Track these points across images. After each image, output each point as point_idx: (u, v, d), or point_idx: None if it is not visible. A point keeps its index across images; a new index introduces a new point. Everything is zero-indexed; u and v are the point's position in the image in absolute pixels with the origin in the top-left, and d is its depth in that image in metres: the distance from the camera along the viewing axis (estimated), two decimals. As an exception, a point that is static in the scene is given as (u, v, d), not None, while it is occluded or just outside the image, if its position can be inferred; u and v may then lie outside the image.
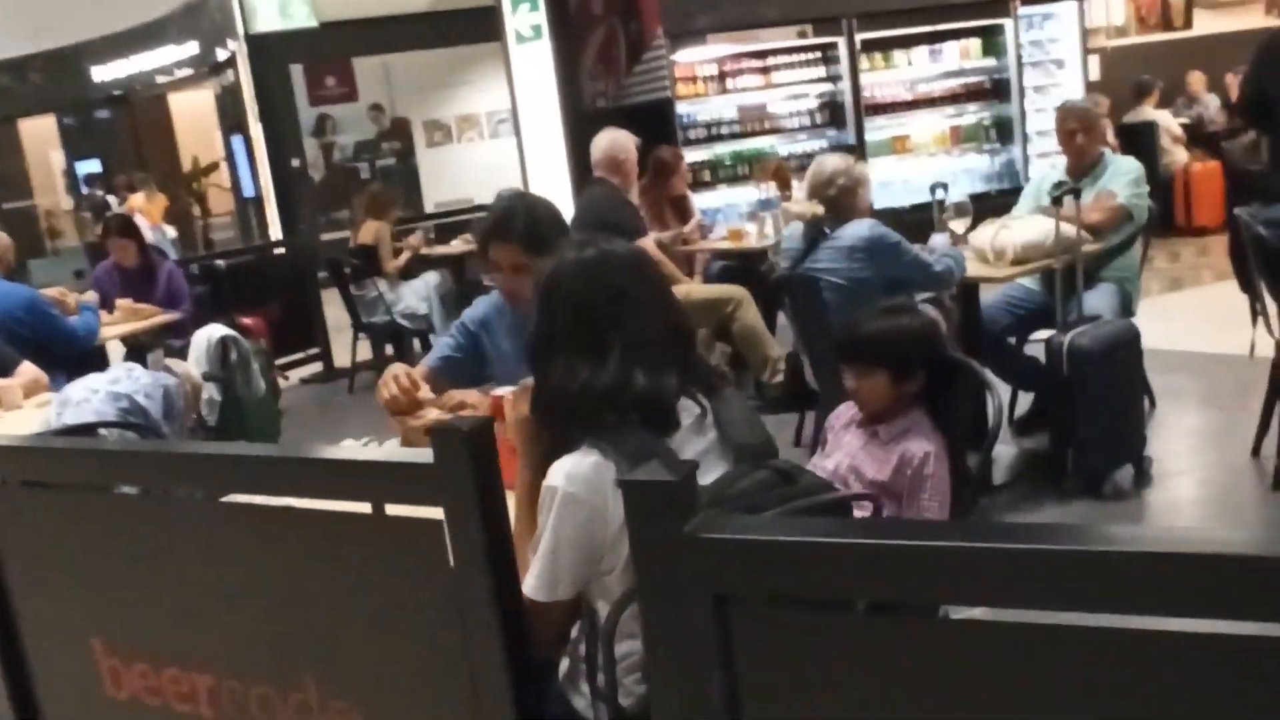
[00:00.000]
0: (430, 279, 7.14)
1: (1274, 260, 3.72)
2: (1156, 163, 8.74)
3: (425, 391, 2.46)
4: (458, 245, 7.59)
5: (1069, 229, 4.01)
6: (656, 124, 7.86)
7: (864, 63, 8.28)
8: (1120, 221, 4.43)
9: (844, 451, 2.33)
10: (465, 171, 12.64)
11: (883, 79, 8.47)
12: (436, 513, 1.46)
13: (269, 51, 11.85)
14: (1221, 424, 4.45)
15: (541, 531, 1.63)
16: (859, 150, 8.26)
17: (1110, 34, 10.02)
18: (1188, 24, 10.43)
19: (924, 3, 8.24)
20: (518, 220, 2.59)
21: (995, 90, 8.82)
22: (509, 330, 2.77)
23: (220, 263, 6.99)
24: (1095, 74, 9.49)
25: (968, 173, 8.83)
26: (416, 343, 7.56)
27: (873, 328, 2.27)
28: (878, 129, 8.42)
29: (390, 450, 2.30)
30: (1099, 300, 4.23)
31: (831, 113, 8.40)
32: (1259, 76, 5.44)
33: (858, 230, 3.66)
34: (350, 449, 2.15)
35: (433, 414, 2.37)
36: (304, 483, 1.61)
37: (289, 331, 7.26)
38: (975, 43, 8.68)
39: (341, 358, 7.43)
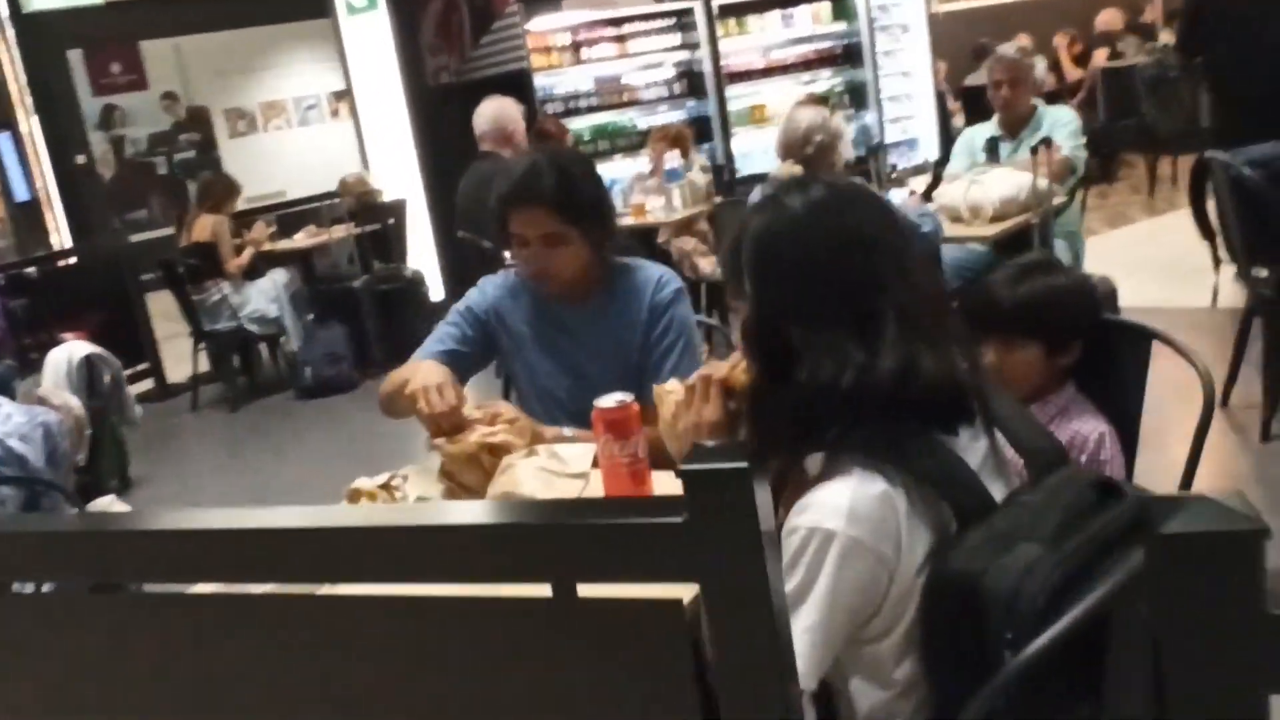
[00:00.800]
0: (278, 277, 6.37)
1: (1256, 202, 3.57)
2: (1000, 124, 8.85)
3: (470, 407, 1.92)
4: (304, 238, 6.83)
5: (1043, 181, 3.77)
6: (513, 98, 7.30)
7: (718, 29, 7.95)
8: (1066, 175, 4.25)
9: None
10: (275, 163, 11.65)
11: (737, 46, 8.18)
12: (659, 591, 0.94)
13: (43, 34, 10.50)
14: (1188, 377, 4.32)
15: (801, 594, 1.14)
16: (722, 121, 7.96)
17: (929, 1, 10.09)
18: (1010, -11, 10.64)
19: (777, -35, 7.98)
20: (545, 178, 2.07)
21: (848, 56, 8.68)
22: (530, 317, 2.24)
23: (30, 270, 6.00)
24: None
25: (825, 141, 8.66)
26: (265, 350, 6.78)
27: (1020, 291, 1.87)
28: (735, 98, 8.12)
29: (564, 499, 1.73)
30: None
31: (690, 82, 8.05)
32: (1195, 9, 5.28)
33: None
34: (466, 507, 1.58)
35: (474, 435, 1.83)
36: (449, 559, 1.05)
37: (109, 346, 6.32)
38: (826, 7, 8.51)
39: (176, 372, 6.56)
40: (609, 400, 1.64)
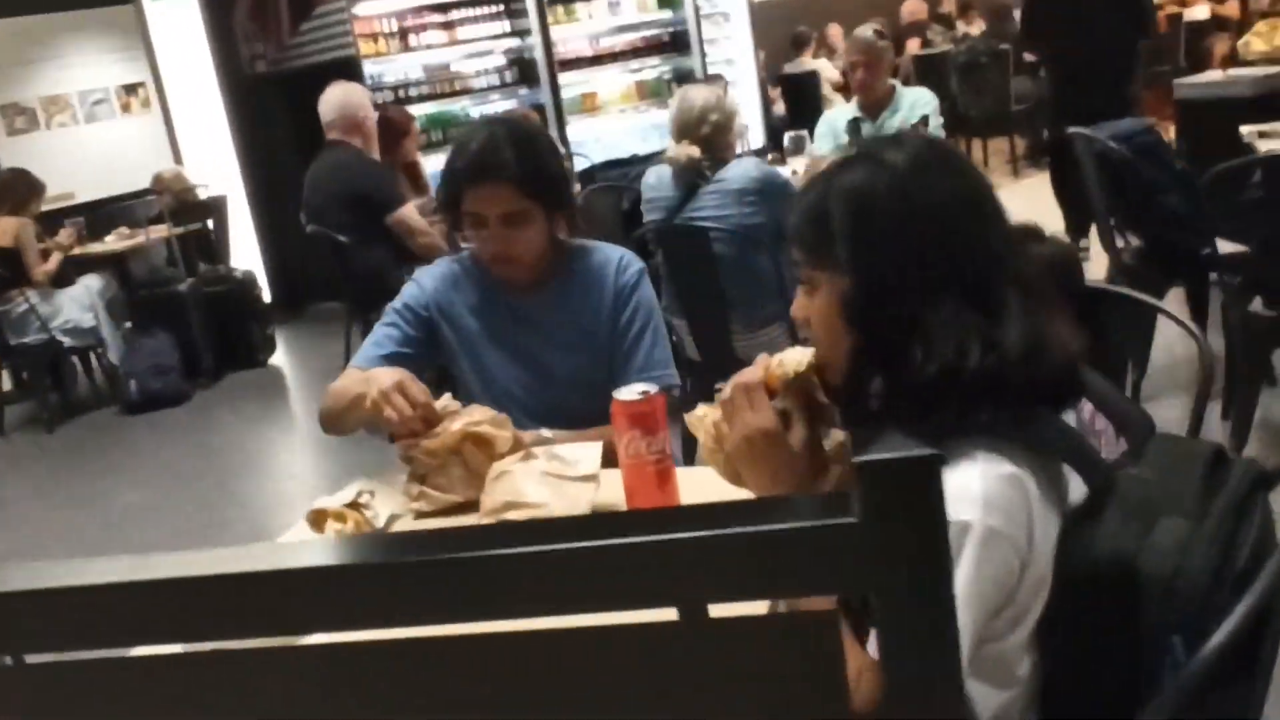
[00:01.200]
0: (91, 283, 5.85)
1: (1120, 175, 3.72)
2: (820, 109, 9.04)
3: (445, 402, 1.74)
4: (116, 240, 6.29)
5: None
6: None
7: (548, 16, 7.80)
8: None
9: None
10: (63, 162, 10.71)
11: (567, 34, 8.04)
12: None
13: None
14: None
15: None
16: (557, 110, 7.81)
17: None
18: (820, -21, 10.90)
19: (605, -49, 7.89)
20: (504, 151, 1.91)
21: (675, 43, 8.68)
22: (478, 308, 2.06)
23: None
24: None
25: (657, 129, 8.63)
26: (78, 362, 6.22)
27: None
28: (566, 87, 7.98)
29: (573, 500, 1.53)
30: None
31: (521, 70, 7.86)
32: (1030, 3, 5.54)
33: (745, 170, 3.23)
34: (558, 525, 1.37)
35: (455, 424, 1.66)
36: (578, 586, 0.88)
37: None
38: (651, -6, 8.48)
39: (-24, 393, 5.94)
40: (630, 392, 1.49)
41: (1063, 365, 1.11)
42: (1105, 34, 4.99)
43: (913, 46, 9.89)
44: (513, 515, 1.51)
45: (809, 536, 0.77)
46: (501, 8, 7.69)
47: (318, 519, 1.62)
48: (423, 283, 2.08)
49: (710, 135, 3.26)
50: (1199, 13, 9.84)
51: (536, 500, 1.50)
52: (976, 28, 10.19)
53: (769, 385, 1.28)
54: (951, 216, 1.13)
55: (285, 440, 5.21)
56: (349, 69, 6.80)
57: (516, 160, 1.90)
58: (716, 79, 7.59)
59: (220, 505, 4.36)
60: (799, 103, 9.57)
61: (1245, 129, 3.86)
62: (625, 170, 6.08)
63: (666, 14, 8.60)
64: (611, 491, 1.54)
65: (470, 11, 7.57)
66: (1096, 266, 4.28)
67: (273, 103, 7.26)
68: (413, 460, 1.68)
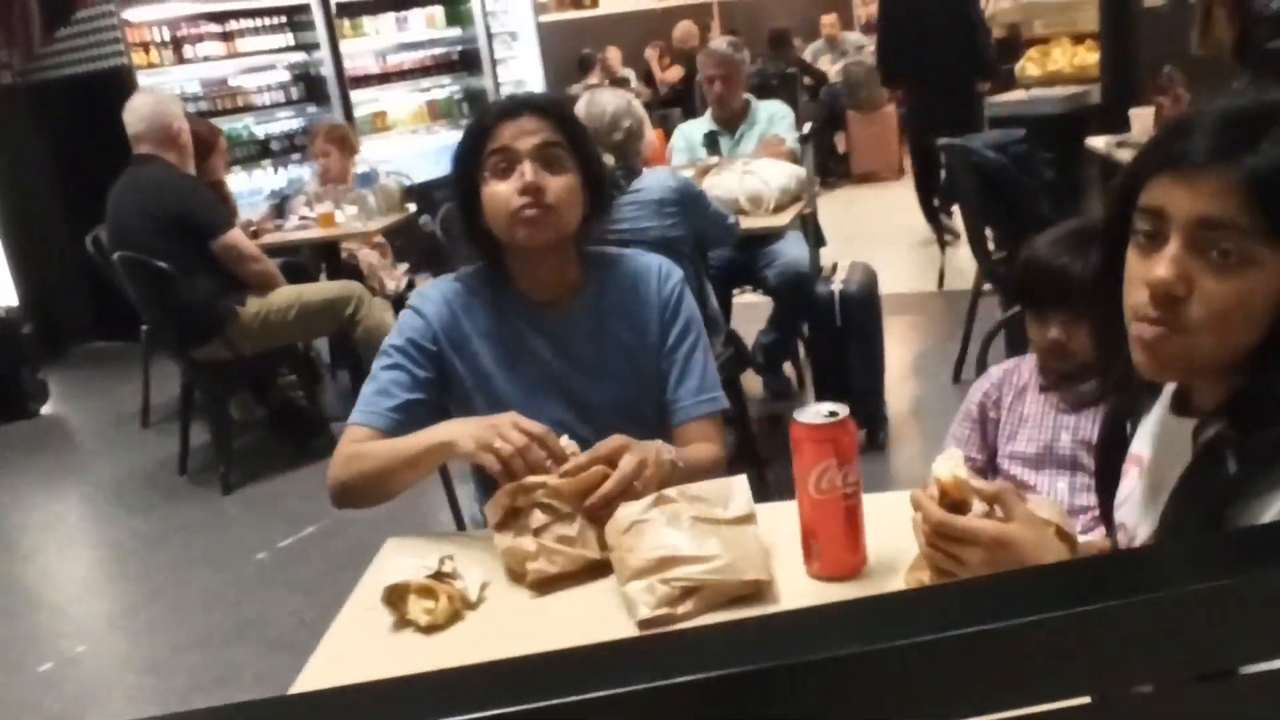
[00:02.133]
0: None
1: (997, 183, 3.80)
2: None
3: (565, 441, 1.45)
4: None
5: (804, 171, 3.76)
6: (107, 99, 6.21)
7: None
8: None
9: (1050, 424, 1.78)
10: None
11: (355, 49, 7.59)
12: None
13: None
14: (921, 359, 4.53)
15: None
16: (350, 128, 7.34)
17: (536, 10, 10.11)
18: (595, 3, 10.91)
19: (395, -36, 7.53)
20: (538, 97, 1.75)
21: (464, 62, 8.39)
22: (492, 330, 1.76)
23: None
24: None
25: (448, 149, 8.26)
26: None
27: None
28: (357, 105, 7.53)
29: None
30: (794, 249, 4.02)
31: (309, 87, 7.34)
32: (886, 38, 5.89)
33: (663, 180, 3.04)
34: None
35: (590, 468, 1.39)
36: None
37: None
38: (439, 11, 8.16)
39: None
40: (814, 414, 1.26)
41: None
42: (948, 75, 5.30)
43: (673, 75, 9.96)
44: (675, 574, 1.24)
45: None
46: (284, 20, 7.16)
47: (396, 597, 1.29)
48: (424, 310, 1.75)
49: (623, 143, 3.06)
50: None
51: (702, 553, 1.24)
52: (745, 53, 10.47)
53: (955, 498, 1.14)
54: None
55: (85, 503, 4.52)
56: (119, 80, 6.13)
57: (551, 103, 1.72)
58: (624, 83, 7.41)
59: (19, 593, 3.72)
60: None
61: (1100, 141, 4.05)
62: (436, 193, 5.78)
63: (456, 31, 8.31)
64: (772, 531, 1.31)
65: (250, 23, 7.01)
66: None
67: (26, 118, 6.43)
68: (529, 509, 1.36)
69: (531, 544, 1.34)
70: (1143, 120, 4.02)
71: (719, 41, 4.55)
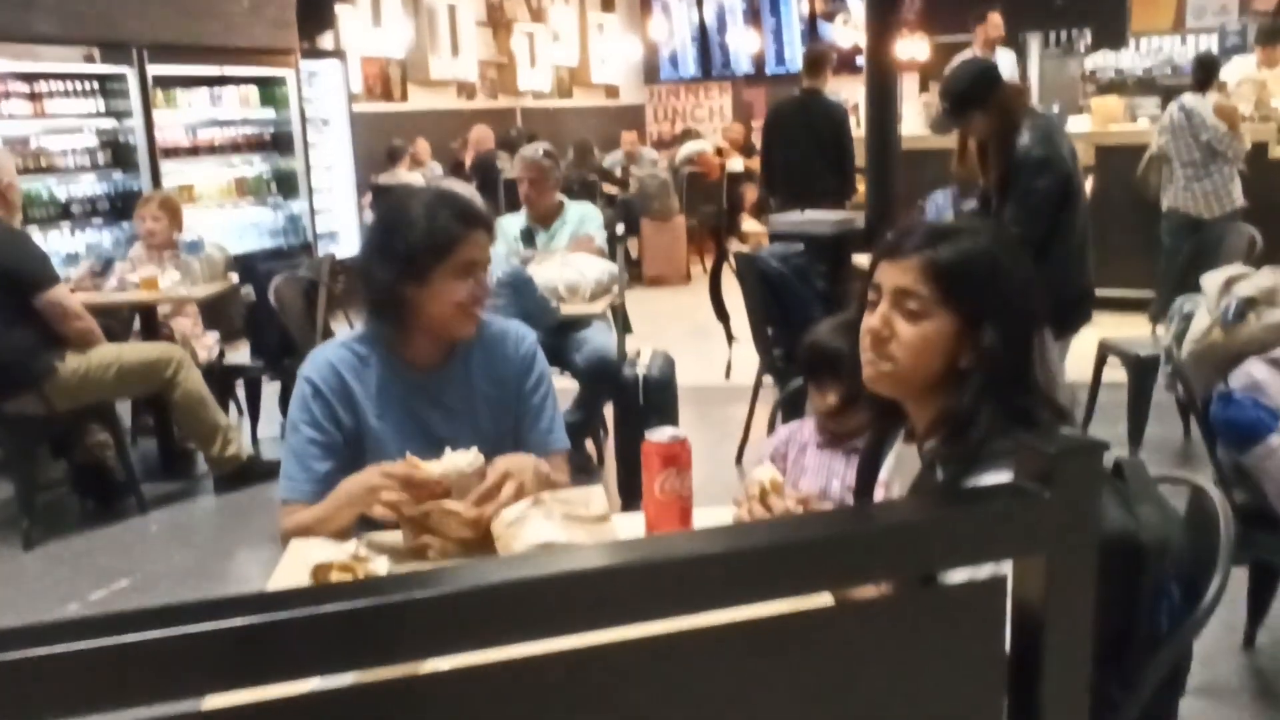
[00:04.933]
0: None
1: (778, 290, 4.37)
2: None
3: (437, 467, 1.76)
4: None
5: (614, 266, 4.21)
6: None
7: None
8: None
9: (825, 472, 2.24)
10: None
11: (166, 120, 7.63)
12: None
13: None
14: (709, 443, 5.01)
15: None
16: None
17: (350, 99, 10.35)
18: (404, 96, 11.27)
19: (215, 42, 7.66)
20: (472, 202, 2.12)
21: (276, 143, 8.54)
22: (381, 387, 2.07)
23: None
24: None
25: (255, 226, 8.41)
26: None
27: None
28: (166, 175, 7.55)
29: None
30: (602, 336, 4.45)
31: (115, 153, 7.32)
32: (767, 147, 6.92)
33: (499, 266, 3.40)
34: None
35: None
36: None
37: None
38: (253, 91, 8.31)
39: None
40: (661, 434, 1.65)
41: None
42: (820, 192, 6.33)
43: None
44: (550, 555, 1.59)
45: (1007, 510, 1.06)
46: (97, 86, 7.16)
47: (320, 573, 1.58)
48: (314, 379, 2.03)
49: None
50: (736, 165, 11.45)
51: (571, 541, 1.60)
52: (557, 161, 11.02)
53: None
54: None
55: None
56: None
57: (484, 209, 2.11)
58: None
59: None
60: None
61: (864, 258, 4.70)
62: (260, 265, 5.91)
63: (269, 113, 8.46)
64: (626, 530, 1.69)
65: (61, 85, 6.97)
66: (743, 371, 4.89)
67: None
68: (415, 522, 1.70)
69: (415, 541, 1.68)
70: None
71: (533, 148, 4.99)
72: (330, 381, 2.03)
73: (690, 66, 15.17)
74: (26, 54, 6.56)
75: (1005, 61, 7.36)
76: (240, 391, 5.45)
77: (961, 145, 3.69)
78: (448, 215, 2.01)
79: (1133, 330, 5.29)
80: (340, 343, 2.11)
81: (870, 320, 1.49)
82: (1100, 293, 4.04)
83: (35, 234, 6.54)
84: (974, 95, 3.52)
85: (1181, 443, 4.62)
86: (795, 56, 13.67)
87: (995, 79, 3.58)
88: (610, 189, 10.02)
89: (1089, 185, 7.11)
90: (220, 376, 5.07)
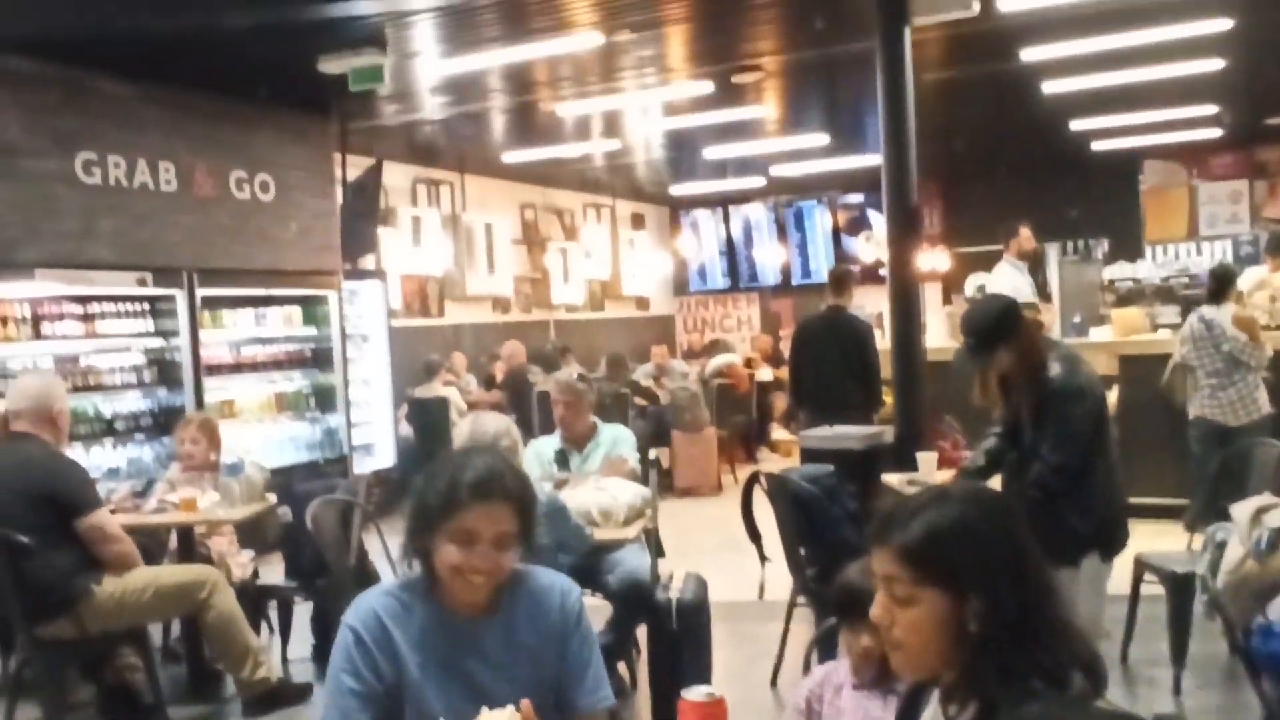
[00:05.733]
0: None
1: (810, 510, 4.38)
2: (448, 434, 9.44)
3: None
4: None
5: (647, 490, 4.26)
6: None
7: (195, 320, 7.68)
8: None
9: (861, 715, 2.20)
10: None
11: (211, 339, 7.91)
12: None
13: None
14: (742, 661, 4.91)
15: None
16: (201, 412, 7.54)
17: (389, 315, 10.71)
18: (441, 312, 11.65)
19: (263, 265, 8.03)
20: (508, 476, 2.04)
21: (316, 359, 8.80)
22: (423, 638, 2.06)
23: None
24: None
25: (292, 440, 8.57)
26: None
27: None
28: (209, 391, 7.77)
29: None
30: (635, 558, 4.44)
31: (161, 371, 7.57)
32: (795, 363, 7.26)
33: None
34: None
35: None
36: None
37: None
38: (296, 310, 8.63)
39: None
40: (697, 694, 1.66)
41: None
42: (847, 406, 6.57)
43: (492, 397, 10.45)
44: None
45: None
46: (147, 307, 7.47)
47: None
48: (360, 629, 2.04)
49: (498, 456, 3.49)
50: (765, 374, 11.65)
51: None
52: (574, 368, 11.25)
53: None
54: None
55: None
56: (-27, 354, 6.27)
57: (516, 485, 2.05)
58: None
59: None
60: (426, 425, 9.95)
61: (894, 478, 4.73)
62: (297, 486, 6.00)
63: (310, 330, 8.76)
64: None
65: (112, 307, 7.29)
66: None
67: None
68: None
69: None
70: (927, 463, 4.73)
71: (567, 373, 5.15)
72: (373, 631, 2.04)
73: (718, 278, 15.63)
74: (83, 279, 6.89)
75: (1023, 284, 7.57)
76: (273, 611, 5.44)
77: (983, 377, 3.78)
78: (466, 481, 2.01)
79: (1168, 539, 5.22)
80: (385, 590, 2.13)
81: (874, 610, 1.53)
82: (1133, 500, 4.04)
83: (79, 449, 6.73)
84: (998, 333, 3.63)
85: (1227, 660, 4.48)
86: (820, 268, 14.08)
87: (1018, 316, 3.69)
88: (642, 401, 10.19)
89: (1114, 395, 7.20)
90: (254, 596, 5.08)
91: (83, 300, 7.13)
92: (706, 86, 8.26)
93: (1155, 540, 5.02)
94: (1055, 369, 3.62)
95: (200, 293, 7.54)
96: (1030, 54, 7.71)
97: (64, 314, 7.03)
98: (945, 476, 4.48)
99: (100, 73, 6.87)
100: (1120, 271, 10.67)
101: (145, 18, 5.42)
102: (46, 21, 5.34)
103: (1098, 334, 8.61)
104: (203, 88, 7.43)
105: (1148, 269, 10.91)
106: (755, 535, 4.71)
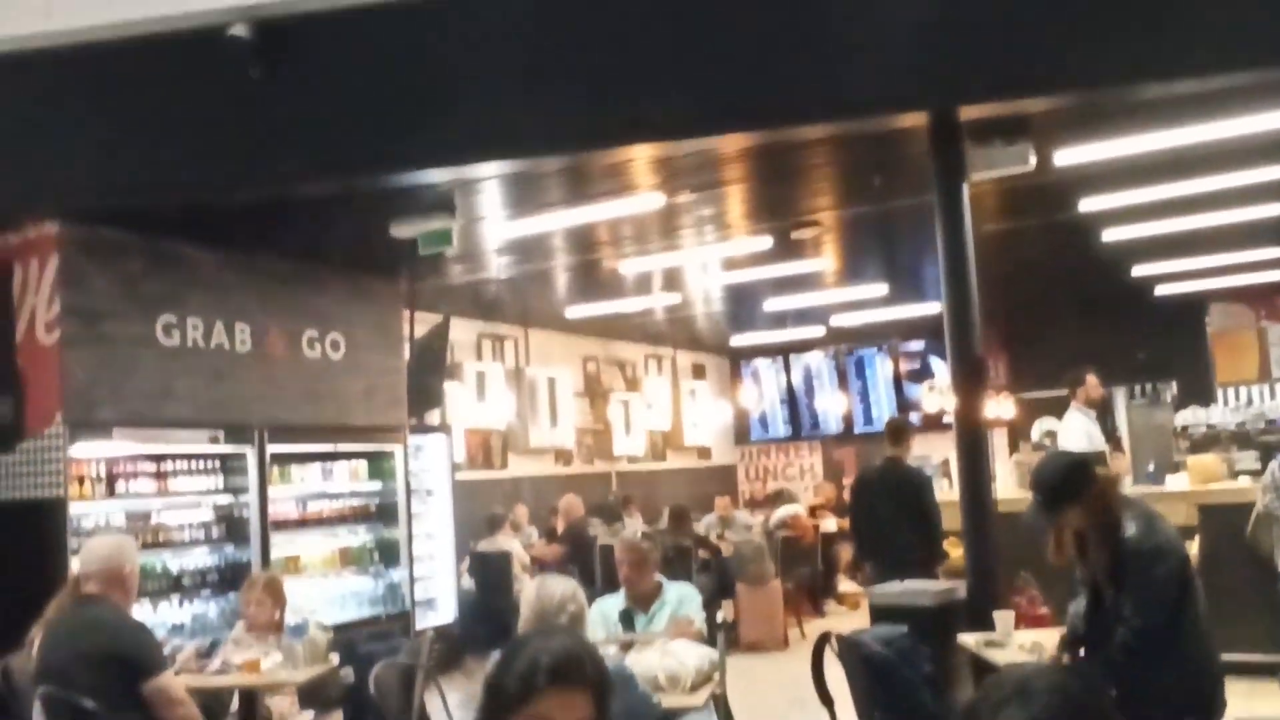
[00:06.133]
0: None
1: (884, 674, 4.23)
2: (510, 588, 9.35)
3: None
4: None
5: (715, 653, 4.16)
6: (37, 527, 6.42)
7: (263, 476, 7.78)
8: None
9: None
10: None
11: (276, 494, 8.00)
12: None
13: None
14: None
15: None
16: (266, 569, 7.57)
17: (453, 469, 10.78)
18: (504, 464, 11.70)
19: (331, 422, 8.16)
20: (586, 663, 2.00)
21: (380, 513, 8.84)
22: None
23: None
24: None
25: (355, 595, 8.54)
26: None
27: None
28: (274, 546, 7.82)
29: None
30: (706, 720, 4.32)
31: (229, 526, 7.64)
32: (855, 515, 7.37)
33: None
34: None
35: None
36: None
37: None
38: (363, 465, 8.73)
39: None
40: None
41: None
42: (907, 557, 6.52)
43: (552, 553, 10.33)
44: None
45: None
46: (218, 464, 7.61)
47: None
48: None
49: (567, 624, 3.44)
50: (829, 525, 11.45)
51: None
52: (637, 520, 11.15)
53: None
54: None
55: None
56: (51, 509, 6.41)
57: (595, 670, 2.00)
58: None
59: None
60: (488, 579, 9.86)
61: (970, 638, 4.56)
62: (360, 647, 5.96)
63: (376, 485, 8.83)
64: None
65: (184, 464, 7.42)
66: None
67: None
68: None
69: None
70: (1004, 622, 4.56)
71: (630, 531, 5.11)
72: None
73: (780, 427, 15.57)
74: (159, 438, 7.05)
75: (1095, 432, 7.45)
76: (332, 774, 5.34)
77: (1058, 535, 3.67)
78: (544, 666, 1.95)
79: (1265, 700, 4.95)
80: None
81: None
82: (1223, 657, 3.85)
83: (145, 606, 6.76)
84: (1068, 490, 3.55)
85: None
86: (883, 415, 13.98)
87: (1088, 472, 3.61)
88: (705, 554, 10.05)
89: (1194, 547, 6.95)
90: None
91: (156, 459, 7.28)
92: (765, 242, 8.40)
93: (1250, 701, 4.77)
94: (1131, 528, 3.51)
95: (270, 449, 7.67)
96: (1089, 204, 7.75)
97: (138, 472, 7.17)
98: (1026, 638, 4.32)
99: (182, 240, 7.18)
100: (1193, 416, 10.44)
101: (226, 189, 5.68)
102: (132, 195, 5.63)
103: (1174, 482, 8.36)
104: (278, 252, 7.73)
105: (1221, 413, 10.67)
106: (827, 699, 4.55)
